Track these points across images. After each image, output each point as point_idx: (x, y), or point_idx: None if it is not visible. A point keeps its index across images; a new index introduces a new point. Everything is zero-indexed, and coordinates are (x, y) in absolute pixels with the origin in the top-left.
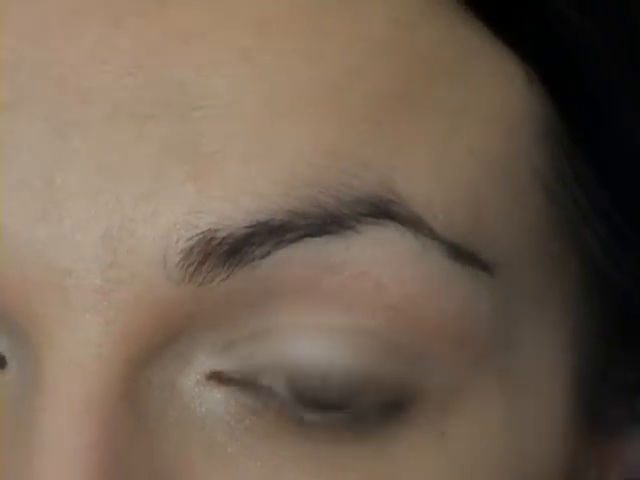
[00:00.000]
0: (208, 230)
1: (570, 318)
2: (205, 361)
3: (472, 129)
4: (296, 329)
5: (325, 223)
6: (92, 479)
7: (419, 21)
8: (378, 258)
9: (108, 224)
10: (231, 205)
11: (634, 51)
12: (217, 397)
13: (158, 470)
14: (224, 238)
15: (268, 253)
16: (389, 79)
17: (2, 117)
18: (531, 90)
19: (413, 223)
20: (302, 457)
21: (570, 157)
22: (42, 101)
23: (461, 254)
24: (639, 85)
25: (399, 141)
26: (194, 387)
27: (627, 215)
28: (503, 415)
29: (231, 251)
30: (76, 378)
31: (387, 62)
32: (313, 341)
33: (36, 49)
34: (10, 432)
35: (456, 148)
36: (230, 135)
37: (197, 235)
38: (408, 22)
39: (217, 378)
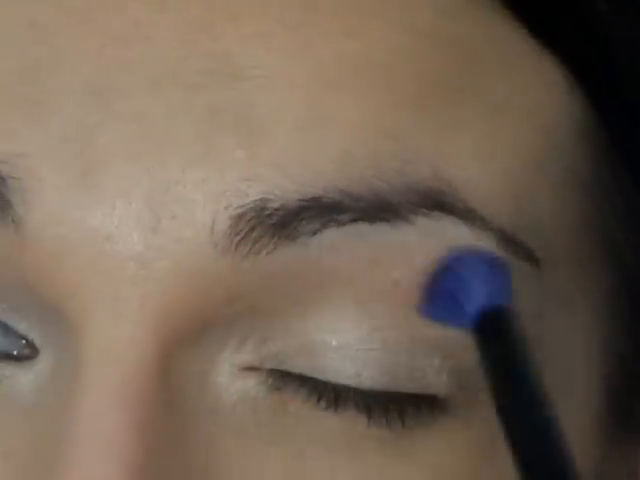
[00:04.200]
0: (260, 199)
1: (600, 322)
2: (239, 353)
3: (513, 127)
4: (333, 335)
5: (378, 209)
6: (128, 469)
7: (463, 15)
8: (433, 251)
9: (152, 188)
10: (282, 174)
11: None
12: (249, 384)
13: (190, 464)
14: (276, 209)
15: (317, 231)
16: (435, 65)
17: (41, 75)
18: (571, 94)
19: (466, 213)
20: (329, 447)
21: (609, 162)
22: (81, 67)
23: (510, 244)
24: None
25: (447, 129)
26: (227, 377)
27: None
28: None
29: (281, 223)
30: (110, 365)
31: (433, 48)
32: (351, 354)
33: (79, 19)
34: (39, 426)
35: (500, 142)
36: (280, 105)
37: (248, 203)
38: (453, 14)
39: (250, 369)
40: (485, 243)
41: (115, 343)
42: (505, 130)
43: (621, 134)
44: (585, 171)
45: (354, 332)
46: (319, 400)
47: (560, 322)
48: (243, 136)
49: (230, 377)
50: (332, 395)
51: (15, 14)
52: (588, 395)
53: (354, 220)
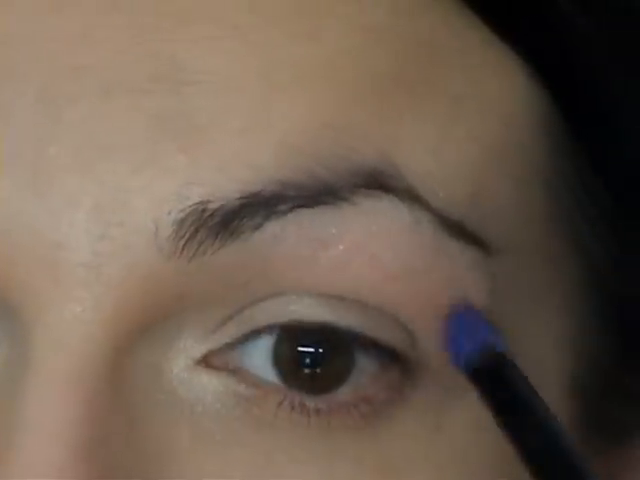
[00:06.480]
0: (200, 202)
1: (568, 319)
2: (194, 345)
3: (471, 116)
4: (294, 294)
5: (318, 194)
6: (74, 456)
7: (418, 10)
8: (373, 230)
9: (99, 196)
10: (223, 176)
11: (634, 49)
12: (205, 383)
13: (143, 452)
14: (216, 210)
15: (260, 225)
16: (387, 61)
17: None
18: (530, 85)
19: (408, 195)
20: (295, 445)
21: (570, 154)
22: (32, 75)
23: (457, 229)
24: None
25: (398, 119)
26: (182, 372)
27: (629, 216)
28: None
29: (223, 223)
30: (62, 357)
31: (385, 45)
32: (312, 306)
33: (27, 25)
34: None
35: (456, 131)
36: (224, 109)
37: (189, 207)
38: (407, 10)
39: (206, 363)
40: (427, 225)
41: (67, 342)
42: (463, 119)
43: (583, 129)
44: (547, 165)
45: (317, 306)
46: (284, 402)
47: (525, 314)
48: (185, 141)
49: (186, 372)
50: (295, 396)
51: None
52: (553, 392)
53: (295, 208)
